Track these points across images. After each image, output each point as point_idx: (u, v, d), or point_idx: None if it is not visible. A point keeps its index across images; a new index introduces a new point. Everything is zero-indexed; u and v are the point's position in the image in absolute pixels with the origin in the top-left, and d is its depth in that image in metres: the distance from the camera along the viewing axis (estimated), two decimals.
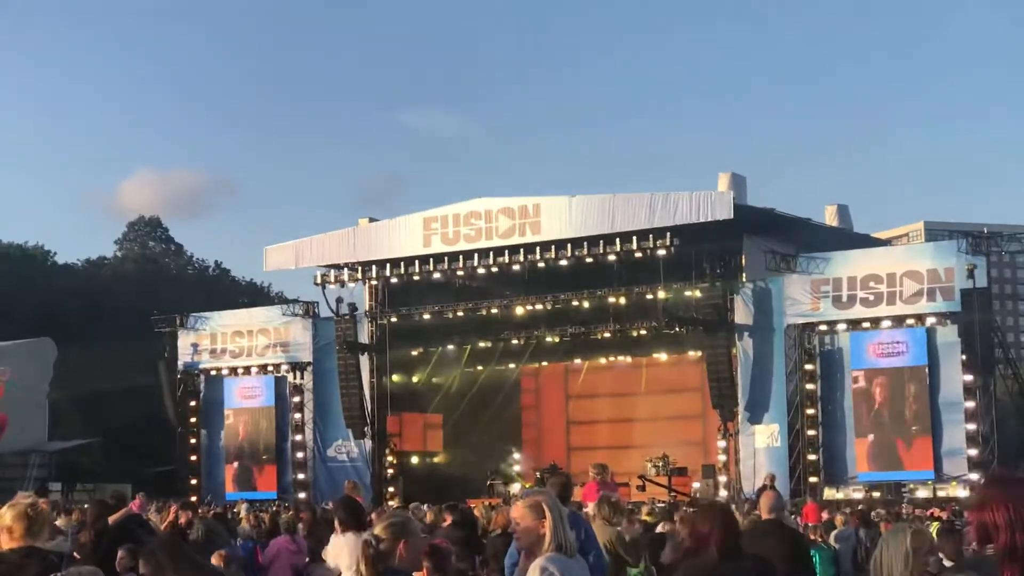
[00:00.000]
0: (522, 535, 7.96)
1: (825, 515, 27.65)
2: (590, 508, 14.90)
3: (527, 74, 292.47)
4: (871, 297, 44.38)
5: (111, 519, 15.11)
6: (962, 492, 41.33)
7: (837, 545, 20.73)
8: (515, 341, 53.49)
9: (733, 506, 26.14)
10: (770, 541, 12.94)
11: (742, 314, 46.76)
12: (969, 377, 42.68)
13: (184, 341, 56.18)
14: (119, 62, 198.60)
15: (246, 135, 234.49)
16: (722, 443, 47.60)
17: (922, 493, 42.67)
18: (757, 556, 10.94)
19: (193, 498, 48.46)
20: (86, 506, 22.76)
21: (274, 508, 33.03)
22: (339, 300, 51.91)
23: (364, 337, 52.66)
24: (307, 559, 17.39)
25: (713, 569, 8.47)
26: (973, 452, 42.33)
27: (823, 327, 45.45)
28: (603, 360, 56.52)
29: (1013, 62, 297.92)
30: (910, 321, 44.13)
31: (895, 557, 7.36)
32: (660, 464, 49.56)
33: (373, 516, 14.01)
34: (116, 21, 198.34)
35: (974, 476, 41.38)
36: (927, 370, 43.66)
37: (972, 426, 42.56)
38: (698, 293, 46.53)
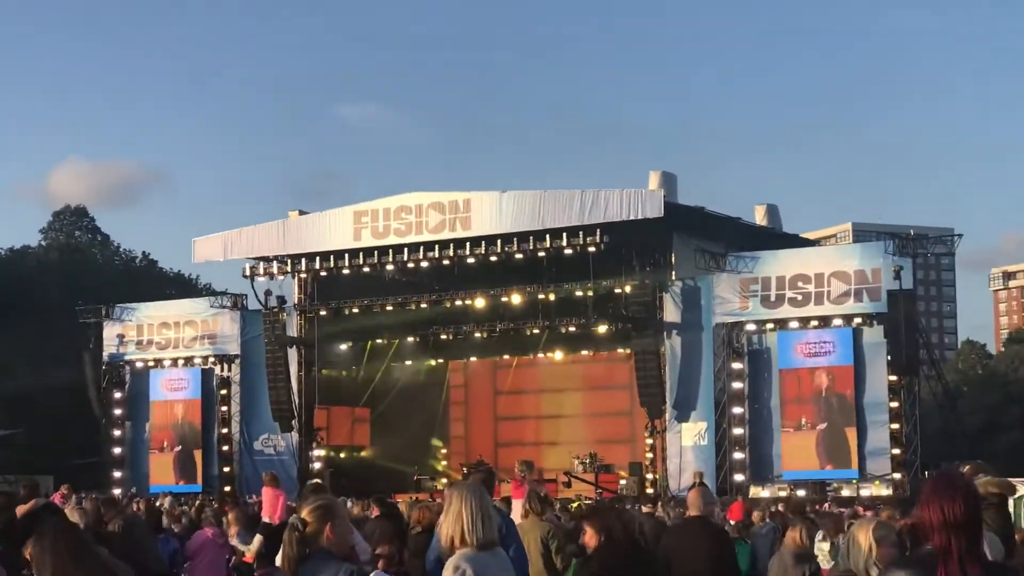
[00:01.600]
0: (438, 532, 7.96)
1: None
2: (516, 505, 14.87)
3: (461, 69, 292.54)
4: (799, 297, 44.66)
5: (20, 509, 14.84)
6: (885, 491, 41.70)
7: (752, 541, 20.82)
8: (444, 336, 53.43)
9: (644, 506, 26.26)
10: (697, 538, 12.98)
11: (671, 312, 46.90)
12: (894, 377, 43.05)
13: (110, 332, 55.67)
14: (55, 49, 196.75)
15: (180, 125, 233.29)
16: (649, 441, 47.75)
17: (846, 492, 42.95)
18: (648, 550, 11.04)
19: (117, 491, 48.17)
20: None
21: (199, 501, 32.72)
22: (268, 293, 51.58)
23: (293, 330, 52.39)
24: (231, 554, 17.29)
25: (616, 561, 8.47)
26: (896, 451, 42.74)
27: (751, 326, 45.67)
28: (532, 356, 56.48)
29: (941, 62, 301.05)
30: (837, 321, 44.44)
31: (860, 549, 7.42)
32: (587, 461, 49.67)
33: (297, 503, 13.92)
34: (54, 8, 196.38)
35: (897, 475, 41.79)
36: (853, 370, 43.97)
37: (896, 426, 42.96)
38: (628, 290, 46.59)
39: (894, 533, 7.69)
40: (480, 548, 7.70)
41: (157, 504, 30.36)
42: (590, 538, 9.31)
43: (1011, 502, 13.81)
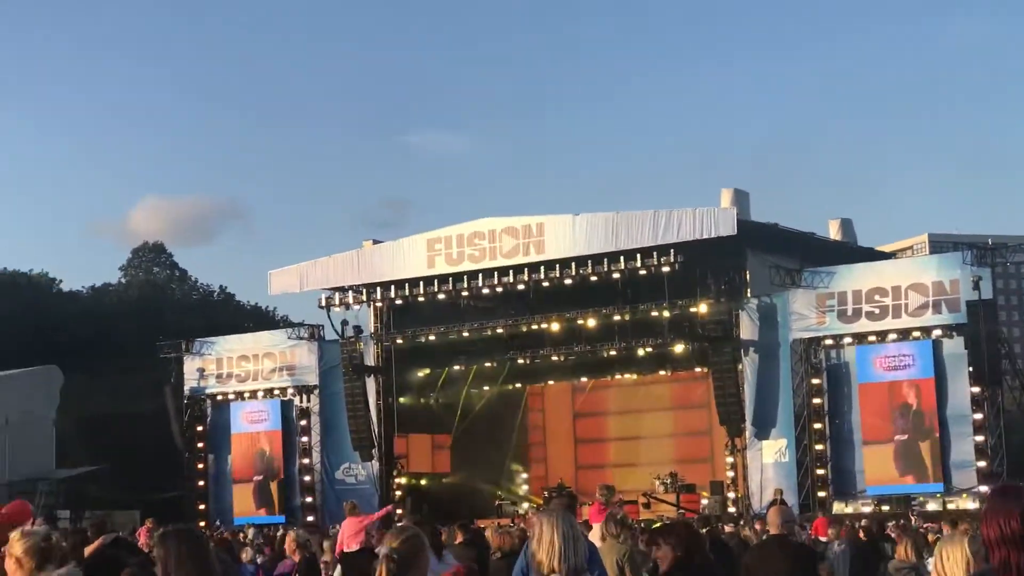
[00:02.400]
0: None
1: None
2: (596, 528, 14.88)
3: (530, 93, 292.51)
4: (876, 310, 44.33)
5: (88, 550, 14.89)
6: (971, 504, 41.23)
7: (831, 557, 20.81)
8: (521, 360, 53.43)
9: (726, 525, 26.12)
10: (777, 555, 12.94)
11: (747, 329, 46.70)
12: (976, 389, 42.60)
13: (190, 366, 56.18)
14: (128, 87, 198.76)
15: (252, 160, 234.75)
16: (730, 459, 47.50)
17: (931, 506, 42.56)
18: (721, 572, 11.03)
19: (202, 523, 48.54)
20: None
21: (281, 532, 32.94)
22: (344, 323, 51.87)
23: (370, 359, 52.64)
24: None
25: None
26: (982, 464, 42.24)
27: (829, 341, 45.39)
28: (609, 378, 56.42)
29: (1012, 71, 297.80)
30: (916, 334, 44.06)
31: (958, 564, 7.36)
32: (668, 481, 49.51)
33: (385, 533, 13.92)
34: (125, 45, 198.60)
35: (983, 488, 41.27)
36: (934, 382, 43.58)
37: (980, 438, 42.47)
38: (703, 309, 46.46)
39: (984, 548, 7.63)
40: (569, 574, 7.78)
41: (240, 536, 30.58)
42: (664, 555, 9.30)
43: None
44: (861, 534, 25.45)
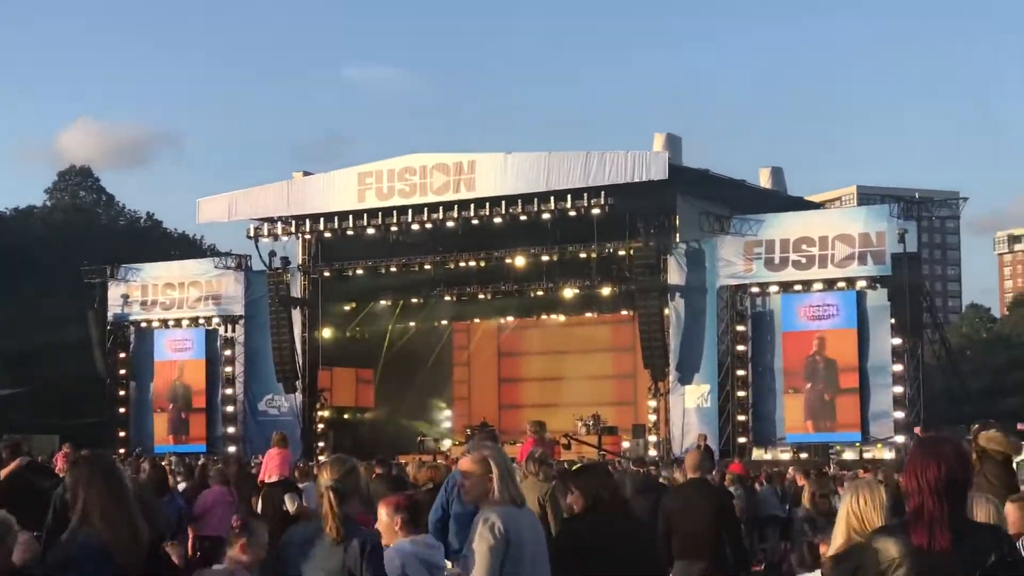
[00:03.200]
0: (470, 489, 8.02)
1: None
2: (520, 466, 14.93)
3: (467, 31, 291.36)
4: (803, 260, 44.61)
5: (2, 472, 14.82)
6: (888, 454, 41.75)
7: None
8: (448, 298, 53.39)
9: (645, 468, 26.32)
10: (695, 498, 13.08)
11: (675, 274, 46.87)
12: (897, 340, 43.01)
13: (114, 292, 55.73)
14: (70, 9, 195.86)
15: (190, 88, 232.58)
16: (652, 403, 47.76)
17: (849, 455, 43.03)
18: (636, 516, 11.13)
19: (122, 450, 48.31)
20: None
21: (202, 461, 32.81)
22: (272, 254, 51.53)
23: (297, 291, 52.44)
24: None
25: (602, 525, 8.49)
26: (900, 414, 42.73)
27: (755, 289, 45.66)
28: (535, 318, 56.50)
29: (945, 26, 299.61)
30: (841, 284, 44.39)
31: (875, 510, 7.44)
32: (591, 423, 49.73)
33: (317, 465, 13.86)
34: None
35: (900, 438, 41.81)
36: (856, 333, 43.98)
37: (899, 389, 42.94)
38: (631, 253, 46.54)
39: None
40: (510, 504, 7.83)
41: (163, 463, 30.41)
42: (575, 499, 9.33)
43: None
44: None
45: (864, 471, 30.90)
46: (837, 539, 7.46)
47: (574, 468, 11.49)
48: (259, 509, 17.23)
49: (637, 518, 10.34)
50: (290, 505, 17.00)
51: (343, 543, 7.54)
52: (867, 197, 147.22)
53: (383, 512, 8.94)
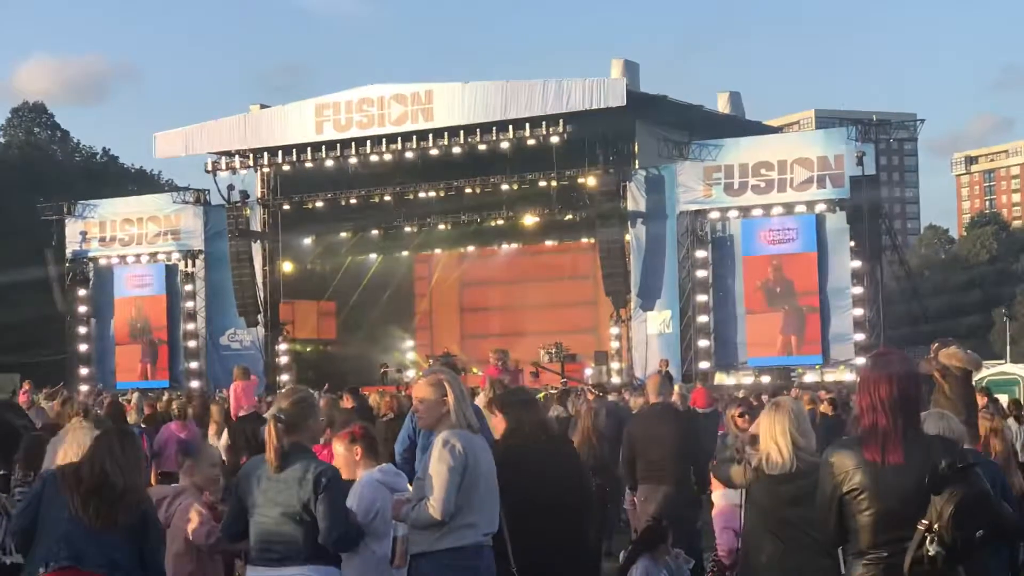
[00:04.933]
0: (425, 413, 8.00)
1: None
2: (481, 396, 14.95)
3: None
4: (762, 184, 44.69)
5: None
6: (849, 376, 42.04)
7: None
8: (408, 228, 53.29)
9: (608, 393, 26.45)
10: (660, 422, 13.14)
11: (635, 201, 46.90)
12: (857, 263, 43.21)
13: (72, 229, 55.37)
14: None
15: (145, 20, 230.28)
16: (615, 330, 47.92)
17: (810, 377, 43.30)
18: (563, 438, 11.21)
19: (84, 387, 48.16)
20: None
21: (165, 396, 32.76)
22: (230, 187, 51.25)
23: (256, 224, 52.25)
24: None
25: (523, 449, 8.52)
26: (860, 336, 43.00)
27: (715, 214, 45.71)
28: (496, 247, 56.47)
29: None
30: (800, 208, 44.48)
31: (801, 426, 7.54)
32: (553, 351, 49.88)
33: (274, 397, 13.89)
34: None
35: (860, 360, 42.05)
36: (816, 256, 44.16)
37: (859, 311, 43.19)
38: (591, 180, 46.54)
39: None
40: (466, 428, 7.83)
41: (123, 399, 30.36)
42: (498, 423, 9.37)
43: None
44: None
45: (825, 392, 31.16)
46: (773, 459, 7.53)
47: (498, 394, 11.48)
48: (229, 442, 17.19)
49: (561, 442, 10.38)
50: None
51: (298, 477, 7.51)
52: (825, 120, 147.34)
53: (339, 446, 8.91)
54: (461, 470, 7.62)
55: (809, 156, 44.31)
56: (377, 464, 8.85)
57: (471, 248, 57.24)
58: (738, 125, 52.48)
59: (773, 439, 7.57)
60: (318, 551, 7.52)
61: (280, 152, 50.46)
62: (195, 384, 49.68)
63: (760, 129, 55.55)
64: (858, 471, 5.91)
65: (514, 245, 55.67)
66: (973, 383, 13.68)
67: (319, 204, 51.48)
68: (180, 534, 8.58)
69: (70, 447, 9.01)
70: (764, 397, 26.52)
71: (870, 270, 43.88)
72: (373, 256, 56.84)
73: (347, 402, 19.19)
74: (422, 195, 50.18)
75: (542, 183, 47.99)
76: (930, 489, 5.67)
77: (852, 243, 43.12)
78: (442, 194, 49.82)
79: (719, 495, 11.35)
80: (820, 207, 44.10)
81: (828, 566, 6.60)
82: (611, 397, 23.64)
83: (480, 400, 14.30)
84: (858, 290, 43.25)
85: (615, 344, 47.97)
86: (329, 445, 9.66)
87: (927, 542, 5.62)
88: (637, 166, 47.44)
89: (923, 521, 5.65)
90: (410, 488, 8.42)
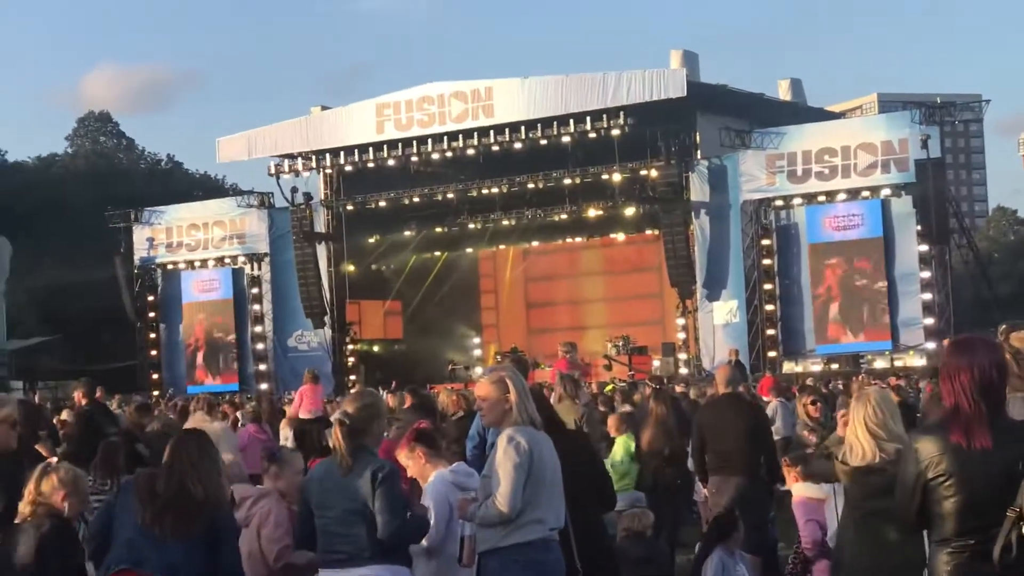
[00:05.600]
0: (488, 411, 7.98)
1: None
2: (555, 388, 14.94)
3: None
4: (826, 170, 44.39)
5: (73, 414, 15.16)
6: (919, 361, 41.72)
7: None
8: (471, 225, 53.32)
9: (676, 385, 26.38)
10: (728, 414, 13.06)
11: (698, 191, 46.75)
12: (924, 247, 42.88)
13: (139, 236, 55.83)
14: None
15: (207, 28, 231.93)
16: (681, 321, 47.79)
17: (879, 364, 43.01)
18: (577, 431, 11.17)
19: (155, 392, 48.59)
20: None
21: (237, 399, 32.97)
22: (294, 190, 51.53)
23: (320, 226, 52.47)
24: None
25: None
26: (929, 321, 42.67)
27: (779, 202, 45.49)
28: (560, 242, 56.42)
29: None
30: (865, 193, 44.18)
31: (892, 416, 7.47)
32: (620, 344, 49.77)
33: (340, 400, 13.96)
34: None
35: (930, 345, 41.74)
36: (883, 242, 43.82)
37: (928, 296, 42.86)
38: (654, 172, 46.40)
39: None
40: (529, 425, 7.82)
41: (191, 406, 30.58)
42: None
43: None
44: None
45: (896, 379, 30.94)
46: (856, 451, 7.47)
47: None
48: (295, 444, 17.32)
49: (576, 435, 10.36)
50: (330, 440, 17.07)
51: (361, 477, 7.56)
52: (888, 104, 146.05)
53: (401, 458, 8.98)
54: (527, 466, 7.60)
55: (873, 141, 43.96)
56: (443, 462, 8.86)
57: (535, 243, 57.19)
58: (800, 112, 52.19)
59: (856, 430, 7.51)
60: (385, 550, 7.56)
61: (342, 153, 50.65)
62: (264, 387, 49.99)
63: (822, 115, 55.26)
64: (944, 457, 5.83)
65: (578, 239, 55.60)
66: None
67: (382, 204, 51.62)
68: (255, 536, 8.59)
69: None
70: (832, 384, 26.37)
71: (938, 254, 43.54)
72: (437, 254, 56.91)
73: (408, 401, 19.23)
74: (484, 192, 50.22)
75: (604, 176, 47.91)
76: (1021, 476, 5.59)
77: (919, 227, 42.78)
78: (504, 190, 49.83)
79: (800, 487, 11.26)
80: (885, 192, 43.77)
81: (914, 556, 6.52)
82: (678, 389, 23.58)
83: (553, 397, 14.28)
84: (926, 274, 42.90)
85: (681, 335, 47.84)
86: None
87: (1020, 530, 5.54)
88: (699, 156, 47.28)
89: (1013, 508, 5.57)
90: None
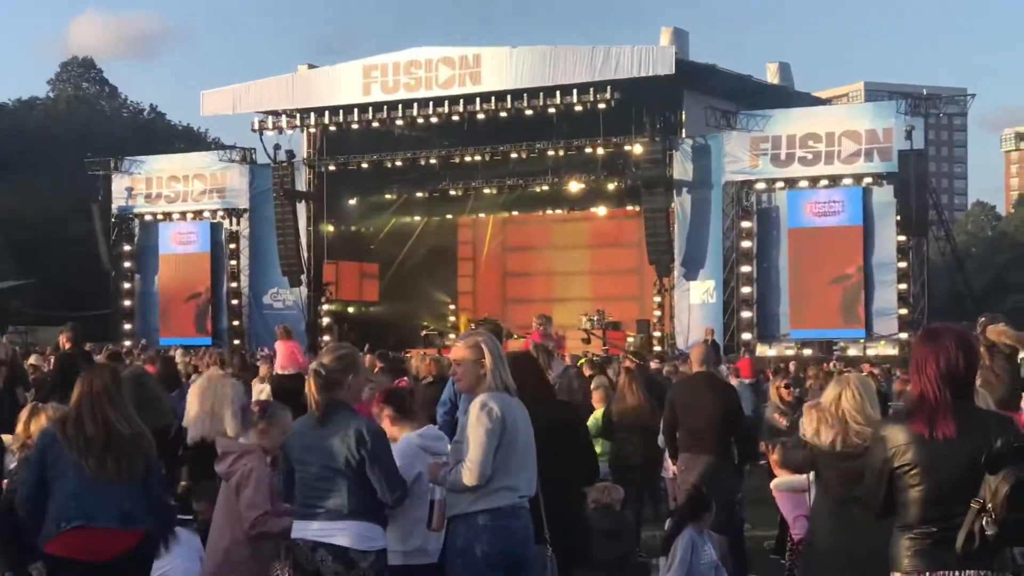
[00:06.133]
0: (462, 375, 7.96)
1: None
2: None
3: None
4: (809, 156, 44.42)
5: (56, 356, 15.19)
6: (892, 350, 41.87)
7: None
8: (453, 192, 53.21)
9: (651, 362, 26.38)
10: (702, 392, 13.07)
11: (681, 170, 46.72)
12: (903, 238, 43.01)
13: (118, 185, 55.54)
14: None
15: None
16: (657, 298, 47.86)
17: (852, 351, 43.13)
18: (565, 402, 11.19)
19: (127, 342, 48.47)
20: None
21: (208, 353, 32.89)
22: (277, 147, 51.32)
23: (302, 185, 52.31)
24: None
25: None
26: (904, 311, 42.83)
27: (761, 185, 45.53)
28: (541, 212, 56.36)
29: None
30: (847, 181, 44.21)
31: (870, 402, 7.48)
32: (595, 318, 49.77)
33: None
34: None
35: (904, 335, 41.90)
36: (862, 230, 43.89)
37: (904, 286, 43.00)
38: (637, 148, 46.37)
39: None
40: (504, 391, 7.80)
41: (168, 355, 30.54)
42: None
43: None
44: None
45: (869, 366, 31.05)
46: (829, 436, 7.48)
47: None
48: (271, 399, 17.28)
49: (566, 403, 10.38)
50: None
51: (339, 432, 7.55)
52: (874, 93, 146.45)
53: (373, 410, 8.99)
54: (498, 433, 7.60)
55: (857, 129, 44.00)
56: (410, 425, 8.85)
57: (515, 213, 57.09)
58: (787, 96, 52.19)
59: (835, 414, 7.52)
60: (361, 505, 7.59)
61: (327, 113, 50.46)
62: (236, 342, 49.89)
63: (809, 100, 55.29)
64: (911, 446, 5.87)
65: (559, 211, 55.52)
66: (1019, 361, 13.58)
67: (364, 166, 51.49)
68: (233, 496, 8.51)
69: (206, 397, 9.42)
70: (809, 370, 26.42)
71: (915, 245, 43.68)
72: (417, 219, 56.81)
73: (376, 365, 19.25)
74: (468, 159, 50.10)
75: (588, 150, 47.85)
76: (985, 467, 5.62)
77: (898, 217, 42.89)
78: (488, 158, 49.74)
79: (781, 479, 11.26)
80: (867, 180, 43.84)
81: (888, 542, 6.56)
82: (653, 365, 23.55)
83: None
84: (903, 264, 43.05)
85: (657, 313, 47.92)
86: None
87: (982, 521, 5.58)
88: (684, 135, 47.27)
89: (977, 499, 5.61)
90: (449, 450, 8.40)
